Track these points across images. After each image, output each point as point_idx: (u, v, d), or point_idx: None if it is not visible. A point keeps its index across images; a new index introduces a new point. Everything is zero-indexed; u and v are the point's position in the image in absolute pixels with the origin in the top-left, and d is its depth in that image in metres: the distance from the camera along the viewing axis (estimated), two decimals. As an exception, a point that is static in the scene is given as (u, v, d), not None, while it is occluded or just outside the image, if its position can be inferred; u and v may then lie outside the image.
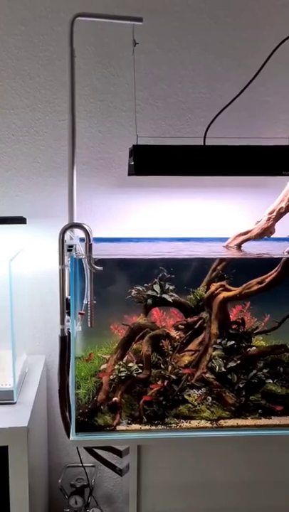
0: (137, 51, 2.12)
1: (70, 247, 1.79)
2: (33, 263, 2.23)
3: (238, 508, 1.91)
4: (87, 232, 1.71)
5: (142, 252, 1.96)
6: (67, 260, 1.78)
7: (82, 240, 2.06)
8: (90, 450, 2.15)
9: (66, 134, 2.15)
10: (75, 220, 2.07)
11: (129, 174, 1.91)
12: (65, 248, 1.73)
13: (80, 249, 1.81)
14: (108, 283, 1.97)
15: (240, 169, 1.84)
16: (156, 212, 2.28)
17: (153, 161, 1.81)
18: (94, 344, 1.99)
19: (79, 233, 1.99)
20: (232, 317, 1.98)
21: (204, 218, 2.29)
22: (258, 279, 1.87)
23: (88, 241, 1.71)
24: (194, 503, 1.89)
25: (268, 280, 1.85)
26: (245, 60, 2.12)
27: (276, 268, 1.85)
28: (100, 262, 1.79)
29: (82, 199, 2.22)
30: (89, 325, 1.90)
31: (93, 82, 2.20)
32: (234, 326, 1.95)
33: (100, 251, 1.99)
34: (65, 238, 1.81)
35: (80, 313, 1.76)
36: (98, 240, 2.12)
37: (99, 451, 2.10)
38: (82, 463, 2.30)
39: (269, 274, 1.86)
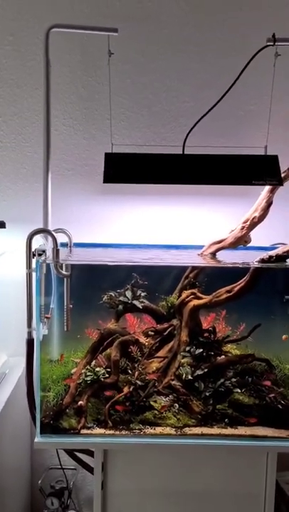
0: (123, 60, 2.17)
1: (42, 252, 1.82)
2: (15, 267, 2.27)
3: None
4: (54, 238, 1.74)
5: (115, 259, 1.97)
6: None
7: (64, 244, 2.11)
8: (69, 452, 2.18)
9: (53, 140, 2.21)
10: (58, 226, 2.12)
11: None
12: (31, 253, 1.76)
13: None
14: (84, 288, 2.00)
15: (211, 178, 1.85)
16: (140, 219, 2.30)
17: (124, 169, 1.83)
18: (70, 348, 2.02)
19: (63, 238, 2.05)
20: (206, 325, 1.98)
21: (187, 226, 2.30)
22: (228, 288, 1.86)
23: (55, 246, 1.74)
24: (159, 510, 1.88)
25: (236, 289, 1.84)
26: (229, 69, 2.11)
27: (245, 277, 1.84)
28: (77, 267, 1.85)
29: (67, 204, 2.28)
30: (65, 329, 1.93)
31: (78, 90, 2.24)
32: (206, 335, 1.94)
33: (80, 256, 2.03)
34: (45, 242, 1.85)
35: (45, 317, 1.79)
36: (80, 245, 2.17)
37: (79, 454, 2.13)
38: (61, 465, 2.33)
39: (238, 283, 1.85)
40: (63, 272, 1.77)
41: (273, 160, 1.83)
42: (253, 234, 2.01)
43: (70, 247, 2.10)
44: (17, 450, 2.16)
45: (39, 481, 2.34)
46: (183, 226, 2.30)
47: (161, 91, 2.22)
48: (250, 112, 2.23)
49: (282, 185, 1.82)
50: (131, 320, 2.00)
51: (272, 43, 1.87)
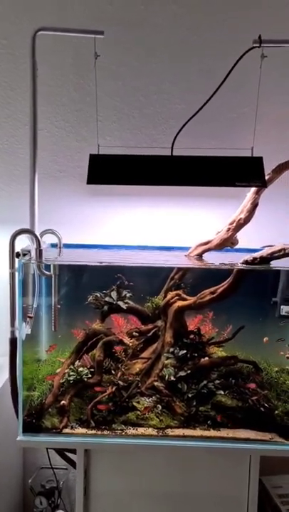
0: (115, 63, 2.19)
1: (27, 252, 1.84)
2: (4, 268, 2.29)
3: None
4: (37, 238, 1.76)
5: (102, 259, 1.98)
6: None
7: (53, 245, 2.13)
8: (59, 452, 2.20)
9: (45, 142, 2.24)
10: (51, 227, 2.14)
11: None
12: (15, 253, 1.77)
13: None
14: (70, 288, 2.01)
15: (196, 180, 1.85)
16: (131, 221, 2.31)
17: (108, 171, 1.84)
18: (58, 348, 2.04)
19: (51, 239, 2.10)
20: (194, 326, 1.98)
21: (178, 228, 2.30)
22: (211, 289, 1.86)
23: (38, 246, 1.76)
24: (142, 511, 1.88)
25: (219, 290, 1.84)
26: (221, 71, 2.11)
27: (229, 279, 1.84)
28: (64, 267, 1.89)
29: (58, 206, 2.30)
30: (53, 329, 1.95)
31: (70, 93, 2.26)
32: (191, 336, 1.94)
33: (68, 257, 2.05)
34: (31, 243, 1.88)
35: (28, 317, 1.81)
36: (70, 246, 2.18)
37: (70, 454, 2.14)
38: (51, 465, 2.34)
39: (222, 284, 1.85)
40: (46, 272, 1.78)
41: (258, 162, 1.82)
42: (244, 236, 2.00)
43: (60, 247, 2.11)
44: (8, 449, 2.17)
45: (29, 480, 2.35)
46: (174, 227, 2.30)
47: (152, 93, 2.23)
48: (244, 115, 2.22)
49: (266, 186, 1.81)
50: (117, 321, 2.01)
51: (258, 45, 1.86)
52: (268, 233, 2.18)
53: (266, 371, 1.99)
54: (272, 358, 2.06)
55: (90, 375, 1.87)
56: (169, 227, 2.30)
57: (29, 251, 1.85)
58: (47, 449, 2.31)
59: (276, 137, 2.21)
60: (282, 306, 1.94)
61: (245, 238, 2.05)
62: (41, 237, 2.09)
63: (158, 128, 2.28)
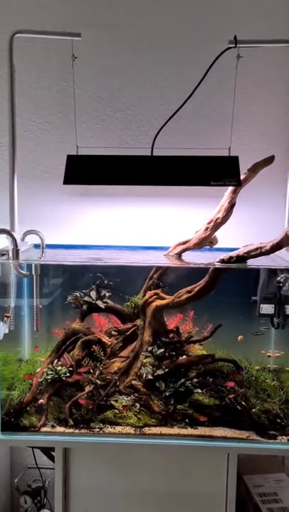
0: (96, 64, 2.21)
1: (5, 252, 1.86)
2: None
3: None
4: (13, 238, 1.77)
5: (83, 259, 2.00)
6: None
7: (36, 246, 2.15)
8: (45, 452, 2.21)
9: (29, 144, 2.26)
10: (36, 228, 2.16)
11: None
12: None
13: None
14: (52, 288, 2.03)
15: (172, 179, 1.86)
16: (115, 221, 2.32)
17: (86, 171, 1.86)
18: (41, 347, 2.06)
19: (36, 240, 2.11)
20: (173, 325, 1.99)
21: (159, 227, 2.31)
22: (188, 288, 1.87)
23: (15, 247, 1.77)
24: (121, 510, 1.89)
25: (196, 289, 1.85)
26: (201, 72, 2.12)
27: (205, 277, 1.84)
28: (45, 267, 1.94)
29: (43, 207, 2.32)
30: (35, 329, 1.97)
31: (54, 95, 2.28)
32: (171, 335, 1.95)
33: (50, 257, 2.07)
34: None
35: (5, 316, 1.83)
36: (54, 246, 2.20)
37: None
38: (37, 464, 2.35)
39: (198, 283, 1.86)
40: (23, 272, 1.80)
41: (234, 161, 1.83)
42: (225, 235, 2.01)
43: (43, 248, 2.13)
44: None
45: (15, 480, 2.36)
46: (156, 227, 2.31)
47: (135, 94, 2.24)
48: (225, 114, 2.22)
49: (240, 185, 1.82)
50: (99, 320, 2.02)
51: (233, 45, 1.87)
52: (251, 232, 2.18)
53: (247, 370, 1.99)
54: (254, 356, 2.07)
55: (68, 374, 1.87)
56: (150, 227, 2.31)
57: (8, 251, 1.86)
58: (32, 448, 2.32)
59: (255, 137, 2.21)
60: (261, 305, 1.94)
61: (226, 238, 2.05)
62: (24, 237, 2.12)
63: (141, 129, 2.29)
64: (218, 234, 2.00)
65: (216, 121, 2.21)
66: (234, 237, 2.04)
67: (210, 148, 1.93)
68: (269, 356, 2.09)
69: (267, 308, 1.94)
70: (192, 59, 2.17)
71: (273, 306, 1.92)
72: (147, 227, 2.32)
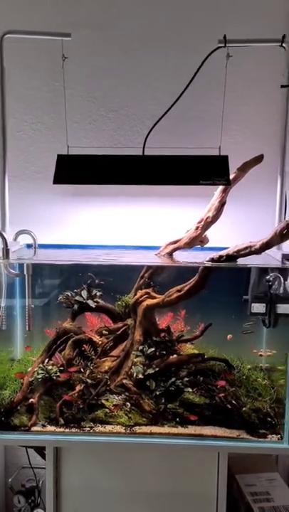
0: (88, 64, 2.22)
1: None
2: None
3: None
4: (3, 238, 1.78)
5: (75, 259, 2.00)
6: None
7: (29, 246, 2.15)
8: (38, 451, 2.21)
9: (22, 144, 2.27)
10: (26, 228, 2.16)
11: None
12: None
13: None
14: (43, 288, 2.04)
15: (162, 179, 1.86)
16: (109, 221, 2.33)
17: (76, 171, 1.87)
18: (33, 347, 2.07)
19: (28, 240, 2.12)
20: (165, 324, 1.99)
21: (153, 227, 2.31)
22: (178, 287, 1.87)
23: (5, 246, 1.78)
24: (112, 509, 1.89)
25: (186, 288, 1.85)
26: (193, 73, 2.13)
27: (195, 276, 1.85)
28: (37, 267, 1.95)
29: (36, 207, 2.32)
30: (27, 328, 1.97)
31: (46, 95, 2.28)
32: (162, 334, 1.95)
33: (41, 257, 2.08)
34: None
35: (-5, 315, 1.84)
36: (47, 246, 2.21)
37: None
38: (30, 464, 2.36)
39: (188, 282, 1.86)
40: (13, 272, 1.81)
41: (223, 160, 1.83)
42: (217, 234, 2.01)
43: (35, 248, 2.13)
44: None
45: (9, 479, 2.37)
46: (149, 227, 2.31)
47: (127, 94, 2.25)
48: (217, 114, 2.22)
49: (230, 184, 1.82)
50: (91, 319, 2.03)
51: (223, 45, 1.87)
52: (244, 232, 2.18)
53: (239, 369, 1.99)
54: (246, 355, 2.07)
55: (58, 374, 1.88)
56: (143, 227, 2.31)
57: (-1, 251, 1.87)
58: (26, 448, 2.33)
59: (248, 136, 2.21)
60: (252, 304, 1.94)
61: (220, 237, 2.05)
62: (16, 237, 2.12)
63: (134, 129, 2.30)
64: (211, 233, 2.00)
65: (207, 120, 2.21)
66: (228, 237, 2.05)
67: (200, 147, 1.93)
68: (261, 355, 2.09)
69: (258, 308, 1.93)
70: (184, 59, 2.16)
71: (264, 305, 1.92)
72: (139, 227, 2.32)
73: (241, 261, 1.80)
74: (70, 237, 2.32)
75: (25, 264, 1.99)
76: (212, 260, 1.80)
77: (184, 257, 1.98)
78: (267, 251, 1.83)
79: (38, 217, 2.33)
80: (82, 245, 2.23)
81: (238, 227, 2.18)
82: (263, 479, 2.10)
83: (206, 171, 1.82)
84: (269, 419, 1.82)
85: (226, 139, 2.08)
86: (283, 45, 1.90)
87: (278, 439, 1.79)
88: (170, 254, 1.99)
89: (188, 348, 2.00)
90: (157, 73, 2.23)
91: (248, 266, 1.81)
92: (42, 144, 2.31)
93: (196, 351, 2.00)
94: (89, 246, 2.21)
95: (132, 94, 2.25)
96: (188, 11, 2.18)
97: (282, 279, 1.80)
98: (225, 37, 1.87)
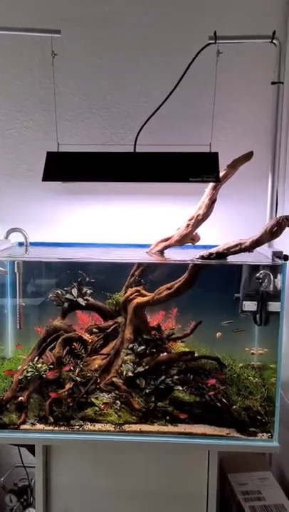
0: (79, 62, 2.21)
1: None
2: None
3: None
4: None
5: (66, 257, 2.00)
6: None
7: (21, 244, 2.15)
8: (31, 450, 2.20)
9: (14, 142, 2.27)
10: (19, 226, 2.16)
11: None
12: None
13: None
14: (34, 286, 2.03)
15: (152, 176, 1.85)
16: (102, 219, 2.32)
17: (65, 168, 1.86)
18: (24, 345, 2.06)
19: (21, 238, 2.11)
20: (156, 322, 1.98)
21: (147, 225, 2.30)
22: (168, 285, 1.86)
23: (-6, 244, 1.77)
24: (102, 508, 1.89)
25: (176, 286, 1.84)
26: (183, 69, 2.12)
27: (185, 274, 1.84)
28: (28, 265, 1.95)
29: (28, 205, 2.32)
30: (18, 327, 1.97)
31: (38, 92, 2.28)
32: (153, 332, 1.95)
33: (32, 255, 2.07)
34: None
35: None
36: (39, 244, 2.20)
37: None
38: (23, 463, 2.35)
39: (178, 280, 1.85)
40: (1, 269, 1.80)
41: (213, 157, 1.82)
42: (209, 232, 2.00)
43: (26, 246, 2.13)
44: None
45: (1, 479, 2.36)
46: (144, 225, 2.30)
47: (119, 92, 2.24)
48: (209, 112, 2.21)
49: (219, 181, 1.81)
50: (82, 317, 2.02)
51: (213, 41, 1.86)
52: (237, 229, 2.17)
53: (230, 367, 1.98)
54: (238, 353, 2.06)
55: (48, 371, 1.87)
56: (137, 225, 2.31)
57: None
58: (18, 447, 2.32)
59: (240, 134, 2.20)
60: (244, 302, 1.93)
61: (212, 235, 2.04)
62: (8, 235, 2.12)
63: (125, 126, 2.29)
64: (203, 231, 1.99)
65: (201, 118, 2.19)
66: (220, 235, 2.04)
67: (192, 144, 1.93)
68: (253, 354, 2.08)
69: (249, 305, 1.93)
70: (177, 56, 2.15)
71: (256, 303, 1.91)
72: (132, 225, 2.31)
73: (232, 259, 1.78)
74: (63, 236, 2.31)
75: (15, 263, 1.99)
76: (202, 258, 1.79)
77: (175, 255, 1.96)
78: (258, 249, 1.82)
79: (31, 215, 2.32)
80: (75, 243, 2.22)
81: (229, 225, 2.17)
82: (255, 478, 2.09)
83: (196, 168, 1.81)
84: (259, 417, 1.81)
85: (218, 136, 2.08)
86: (274, 41, 1.88)
87: (268, 437, 1.78)
88: (161, 252, 1.98)
89: (180, 347, 1.99)
90: (150, 71, 2.21)
91: (237, 263, 1.80)
92: (33, 141, 2.30)
93: (187, 349, 1.98)
94: (81, 244, 2.20)
95: (124, 92, 2.24)
96: (182, 9, 2.17)
97: (272, 276, 1.78)
98: (215, 33, 1.86)
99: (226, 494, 2.05)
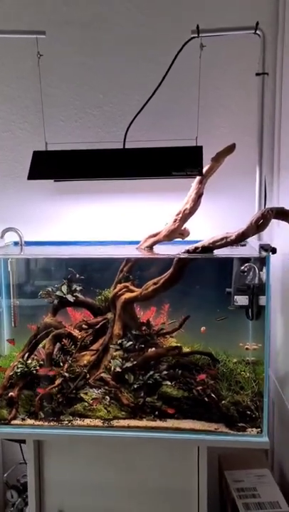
0: (71, 62, 2.24)
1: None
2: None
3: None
4: (-20, 234, 1.81)
5: (59, 254, 2.02)
6: None
7: (16, 243, 2.18)
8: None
9: (10, 144, 2.31)
10: (15, 226, 2.20)
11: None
12: None
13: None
14: (28, 284, 2.07)
15: (134, 172, 1.86)
16: (95, 217, 2.34)
17: (52, 166, 1.88)
18: (18, 342, 2.09)
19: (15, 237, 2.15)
20: (146, 318, 1.99)
21: (141, 222, 2.31)
22: (154, 280, 1.86)
23: (-17, 242, 1.81)
24: (94, 503, 1.89)
25: (162, 281, 1.84)
26: (178, 67, 2.11)
27: (170, 269, 1.84)
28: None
29: (24, 205, 2.36)
30: (13, 325, 2.00)
31: (32, 95, 2.31)
32: (143, 328, 1.95)
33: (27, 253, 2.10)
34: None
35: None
36: (34, 243, 2.23)
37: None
38: (24, 459, 2.38)
39: (164, 275, 1.85)
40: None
41: (197, 151, 1.82)
42: (199, 227, 2.00)
43: (21, 245, 2.16)
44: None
45: (5, 475, 2.39)
46: (137, 222, 2.31)
47: (111, 91, 2.26)
48: (202, 108, 2.21)
49: (202, 175, 1.80)
50: (73, 314, 2.04)
51: (196, 35, 1.86)
52: (228, 223, 2.15)
53: (224, 362, 1.96)
54: (233, 349, 2.04)
55: (38, 368, 1.89)
56: (131, 223, 2.31)
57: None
58: (20, 444, 2.35)
59: (230, 129, 2.19)
60: (235, 297, 1.92)
61: (203, 230, 2.03)
62: (3, 235, 2.15)
63: (118, 125, 2.30)
64: (192, 226, 1.99)
65: (191, 113, 2.18)
66: (209, 228, 2.02)
67: (178, 139, 1.93)
68: (247, 349, 2.05)
69: (241, 300, 1.91)
70: (169, 54, 2.16)
71: (247, 297, 1.89)
72: (127, 223, 2.32)
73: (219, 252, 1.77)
74: (59, 235, 2.33)
75: (9, 261, 2.02)
76: (188, 252, 1.78)
77: (164, 250, 1.96)
78: (249, 241, 1.80)
79: (27, 215, 2.35)
80: (69, 242, 2.24)
81: (221, 219, 2.15)
82: (252, 475, 2.06)
83: (179, 162, 1.81)
84: (249, 412, 1.79)
85: (208, 130, 2.07)
86: (257, 32, 1.86)
87: (258, 432, 1.76)
88: (150, 247, 1.98)
89: (173, 342, 1.98)
90: (144, 69, 2.23)
91: (220, 256, 1.78)
92: (29, 143, 2.33)
93: (178, 345, 1.97)
94: (75, 242, 2.22)
95: (117, 91, 2.25)
96: (174, 6, 2.18)
97: (257, 269, 1.76)
98: (198, 27, 1.85)
99: (221, 490, 2.03)
